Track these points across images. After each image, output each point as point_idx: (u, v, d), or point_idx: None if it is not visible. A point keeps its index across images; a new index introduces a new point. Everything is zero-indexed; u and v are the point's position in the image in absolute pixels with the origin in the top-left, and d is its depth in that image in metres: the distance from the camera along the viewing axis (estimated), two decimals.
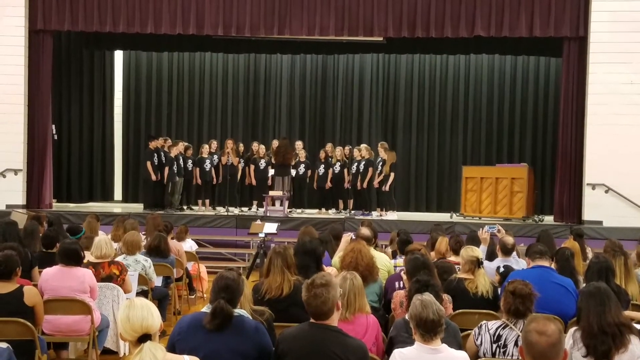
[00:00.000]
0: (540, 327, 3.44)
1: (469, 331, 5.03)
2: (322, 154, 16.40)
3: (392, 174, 15.16)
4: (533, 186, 15.25)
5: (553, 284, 6.15)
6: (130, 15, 15.22)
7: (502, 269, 6.95)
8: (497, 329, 4.76)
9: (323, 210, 16.38)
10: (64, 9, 15.21)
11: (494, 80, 18.41)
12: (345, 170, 15.94)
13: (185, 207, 16.25)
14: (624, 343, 4.42)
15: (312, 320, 4.20)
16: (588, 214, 14.26)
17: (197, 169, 16.03)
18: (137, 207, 16.35)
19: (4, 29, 15.08)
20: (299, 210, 16.27)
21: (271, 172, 15.83)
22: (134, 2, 15.20)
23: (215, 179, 16.14)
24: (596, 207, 14.13)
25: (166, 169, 15.33)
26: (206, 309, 4.29)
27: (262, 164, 16.02)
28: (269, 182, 15.93)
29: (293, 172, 15.92)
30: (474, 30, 14.73)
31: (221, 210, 15.86)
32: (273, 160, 15.80)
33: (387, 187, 15.15)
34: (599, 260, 6.31)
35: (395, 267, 7.58)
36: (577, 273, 6.80)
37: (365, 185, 15.48)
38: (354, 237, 7.47)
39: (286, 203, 15.18)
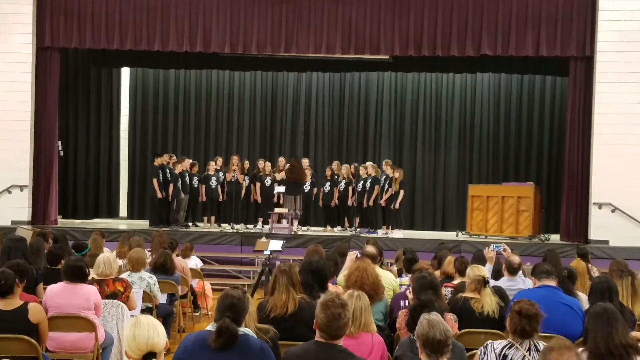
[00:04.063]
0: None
1: (475, 351, 5.00)
2: (327, 172, 16.37)
3: (402, 192, 15.16)
4: (539, 205, 15.18)
5: (559, 304, 6.12)
6: (138, 33, 15.30)
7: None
8: (502, 349, 4.71)
9: (329, 228, 16.34)
10: (72, 26, 15.29)
11: (501, 99, 18.35)
12: (351, 188, 15.92)
13: (190, 224, 16.23)
14: None
15: (318, 339, 4.17)
16: (594, 234, 14.21)
17: (203, 186, 16.03)
18: (143, 224, 16.34)
19: (11, 46, 15.17)
20: (304, 228, 16.23)
21: (277, 189, 15.75)
22: (141, 20, 15.28)
23: (221, 196, 16.15)
24: (603, 227, 14.08)
25: (171, 186, 15.35)
26: (211, 327, 4.26)
27: (268, 181, 15.99)
28: (275, 199, 15.91)
29: None
30: (480, 49, 14.75)
31: (226, 227, 15.84)
32: (282, 178, 15.76)
33: (397, 205, 15.13)
34: (601, 280, 6.30)
35: (400, 285, 7.55)
36: (576, 293, 6.76)
37: (371, 203, 15.46)
38: (359, 255, 7.42)
39: (296, 222, 15.18)
